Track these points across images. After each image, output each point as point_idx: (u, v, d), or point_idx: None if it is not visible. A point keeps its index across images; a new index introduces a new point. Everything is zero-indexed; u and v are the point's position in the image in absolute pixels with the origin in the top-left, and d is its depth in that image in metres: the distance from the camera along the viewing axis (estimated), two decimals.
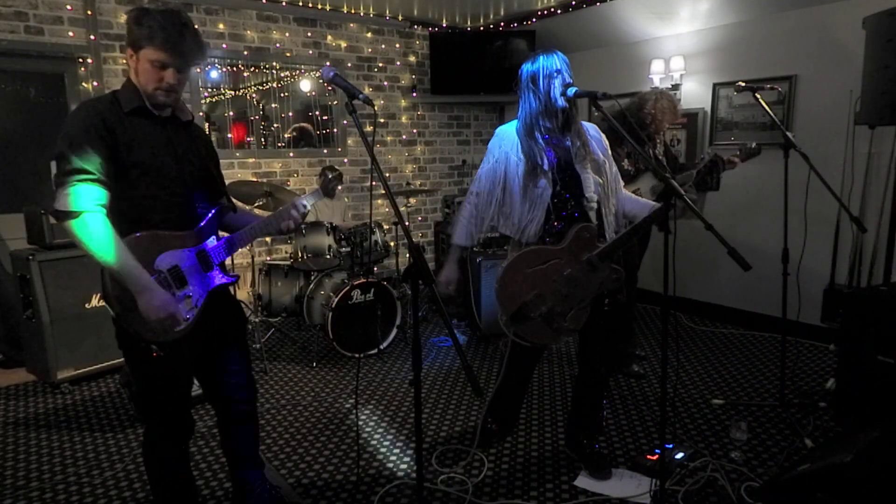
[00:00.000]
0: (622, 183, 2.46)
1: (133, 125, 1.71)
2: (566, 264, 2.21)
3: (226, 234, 1.93)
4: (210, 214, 1.86)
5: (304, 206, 1.97)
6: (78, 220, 1.59)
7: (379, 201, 5.43)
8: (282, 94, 5.21)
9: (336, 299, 3.73)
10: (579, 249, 2.22)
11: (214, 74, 4.79)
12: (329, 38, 5.17)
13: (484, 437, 2.72)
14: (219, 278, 1.90)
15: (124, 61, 4.13)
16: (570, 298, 2.22)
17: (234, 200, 2.08)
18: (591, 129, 2.42)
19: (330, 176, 2.18)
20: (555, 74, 2.22)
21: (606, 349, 2.48)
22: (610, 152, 2.43)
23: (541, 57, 2.26)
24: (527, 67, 2.30)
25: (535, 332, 2.25)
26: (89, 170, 1.60)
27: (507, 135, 2.35)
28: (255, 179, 4.66)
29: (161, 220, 1.75)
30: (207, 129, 4.88)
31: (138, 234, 1.69)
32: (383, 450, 2.73)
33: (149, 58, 1.66)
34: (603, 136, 2.44)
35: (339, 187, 4.61)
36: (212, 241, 1.86)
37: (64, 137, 1.61)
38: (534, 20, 5.36)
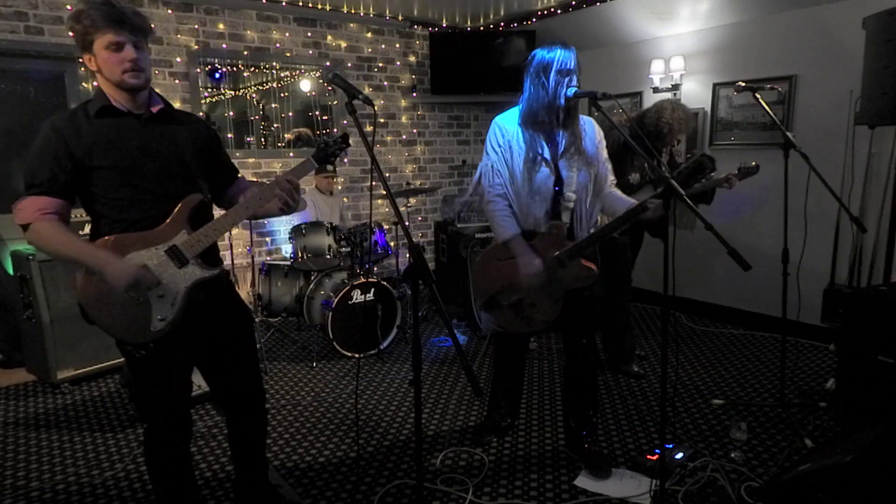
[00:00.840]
0: (610, 181, 2.46)
1: (98, 128, 1.71)
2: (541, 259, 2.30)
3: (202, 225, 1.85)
4: (177, 210, 1.78)
5: (291, 178, 1.85)
6: (28, 231, 1.71)
7: (379, 201, 5.43)
8: (282, 94, 5.21)
9: (336, 299, 3.73)
10: (548, 246, 2.31)
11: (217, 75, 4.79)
12: (329, 38, 5.17)
13: (481, 431, 2.78)
14: (198, 272, 1.81)
15: None
16: (538, 291, 2.32)
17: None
18: (587, 123, 2.41)
19: (330, 141, 1.91)
20: (567, 73, 2.21)
21: (586, 342, 2.52)
22: (604, 145, 2.44)
23: (559, 49, 2.21)
24: (541, 54, 2.24)
25: (507, 321, 2.42)
26: (37, 183, 1.68)
27: (509, 127, 2.35)
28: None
29: (138, 217, 1.75)
30: None
31: (95, 243, 1.73)
32: (383, 450, 2.73)
33: (103, 45, 1.65)
34: (598, 128, 2.44)
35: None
36: (181, 236, 1.78)
37: (29, 153, 1.70)
38: (534, 20, 5.36)
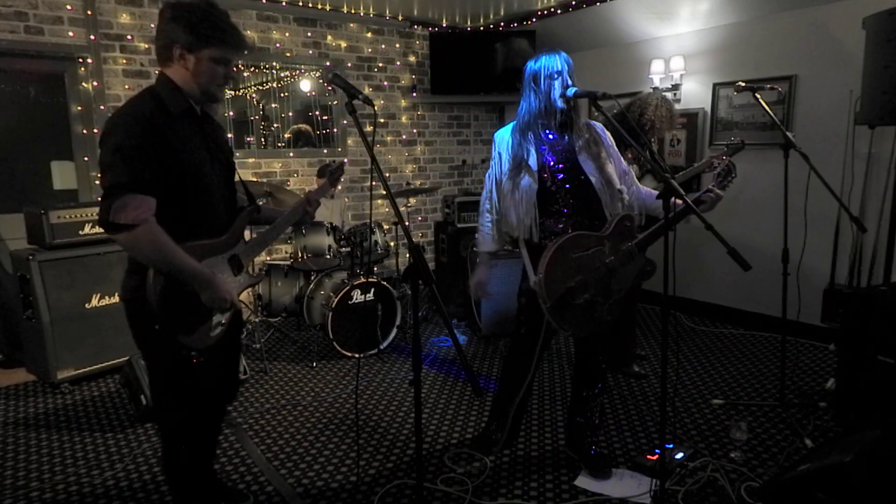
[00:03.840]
0: (634, 175, 2.48)
1: (181, 128, 1.68)
2: (609, 252, 2.19)
3: (251, 235, 1.95)
4: (239, 218, 1.87)
5: (316, 200, 2.10)
6: (132, 233, 1.56)
7: (379, 201, 5.43)
8: (282, 94, 5.21)
9: (336, 299, 3.73)
10: (621, 238, 2.21)
11: None
12: (329, 38, 5.17)
13: (483, 442, 2.68)
14: (247, 280, 1.92)
15: (124, 61, 4.19)
16: (610, 287, 2.20)
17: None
18: (599, 128, 2.44)
19: (332, 167, 2.09)
20: (555, 75, 2.24)
21: (610, 343, 2.49)
22: (615, 150, 2.45)
23: (543, 57, 2.27)
24: (530, 66, 2.31)
25: (577, 321, 2.17)
26: (140, 179, 1.56)
27: (503, 137, 2.40)
28: (255, 179, 4.66)
29: (203, 224, 1.75)
30: None
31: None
32: (383, 450, 2.73)
33: (212, 56, 1.65)
34: (608, 134, 2.46)
35: (339, 186, 4.60)
36: (240, 245, 1.87)
37: (112, 147, 1.56)
38: (534, 20, 5.36)
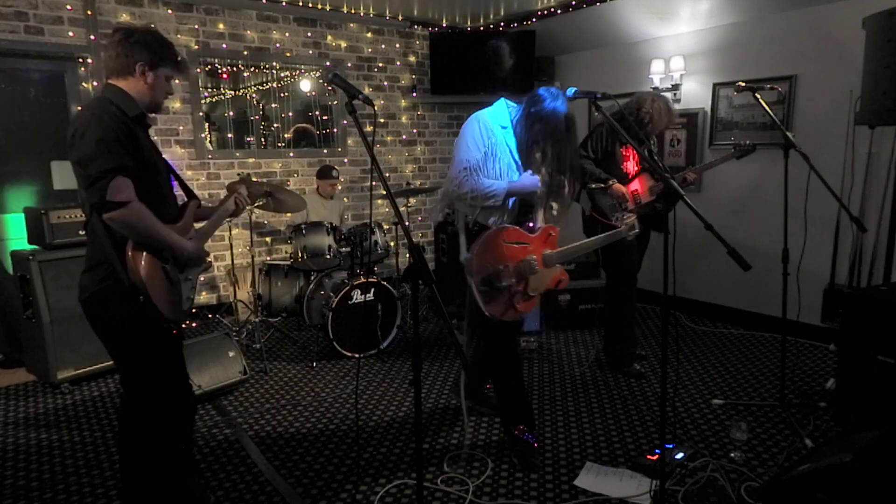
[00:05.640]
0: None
1: (137, 129, 1.90)
2: (533, 251, 2.43)
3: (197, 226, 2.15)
4: (188, 208, 2.08)
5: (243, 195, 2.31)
6: (128, 209, 1.76)
7: (379, 201, 5.43)
8: (282, 94, 5.21)
9: (336, 299, 3.73)
10: (543, 244, 2.48)
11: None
12: (329, 38, 5.17)
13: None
14: (205, 261, 2.17)
15: None
16: (527, 283, 2.41)
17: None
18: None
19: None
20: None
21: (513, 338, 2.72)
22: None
23: (561, 113, 2.35)
24: (547, 106, 2.35)
25: (496, 302, 2.35)
26: (123, 165, 1.77)
27: (493, 125, 2.47)
28: (255, 179, 4.66)
29: (165, 214, 1.94)
30: (207, 129, 4.89)
31: None
32: (383, 450, 2.74)
33: (166, 75, 1.96)
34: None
35: (339, 187, 4.59)
36: (192, 232, 2.07)
37: (92, 141, 1.74)
38: (534, 20, 5.36)
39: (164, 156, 2.09)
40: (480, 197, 2.35)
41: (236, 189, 2.32)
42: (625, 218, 3.01)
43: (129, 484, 2.04)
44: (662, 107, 3.31)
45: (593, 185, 3.31)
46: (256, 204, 3.58)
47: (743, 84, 2.79)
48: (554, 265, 2.49)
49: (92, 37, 4.04)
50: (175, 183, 2.14)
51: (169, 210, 2.00)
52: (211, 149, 4.81)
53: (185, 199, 2.15)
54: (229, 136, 5.05)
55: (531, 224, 2.50)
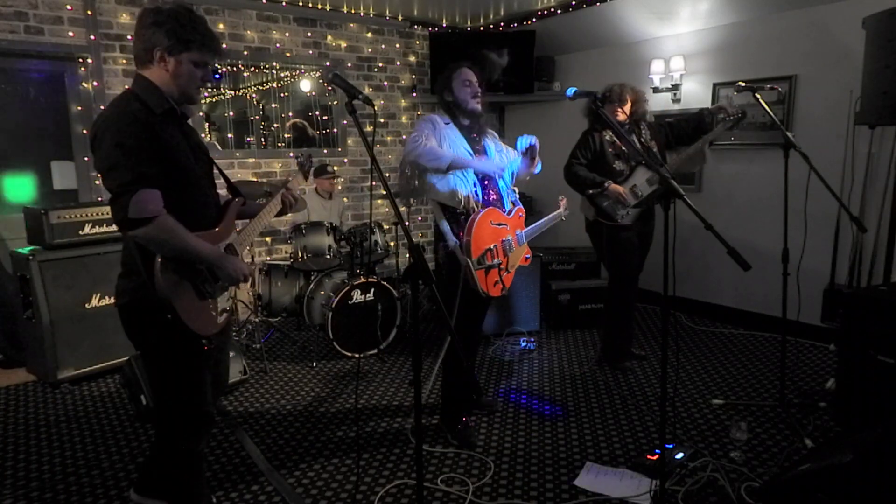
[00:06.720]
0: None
1: (166, 126, 1.71)
2: (510, 231, 2.73)
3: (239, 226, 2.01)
4: (229, 209, 1.93)
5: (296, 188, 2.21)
6: (154, 225, 1.60)
7: (379, 201, 5.42)
8: (282, 94, 5.21)
9: (336, 299, 3.73)
10: (517, 224, 2.81)
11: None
12: (329, 38, 5.17)
13: (454, 417, 2.85)
14: None
15: (124, 61, 4.18)
16: (507, 260, 2.70)
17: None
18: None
19: (301, 159, 2.23)
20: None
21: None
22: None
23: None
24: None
25: (489, 280, 2.62)
26: (146, 174, 1.59)
27: (440, 121, 2.69)
28: (255, 179, 4.66)
29: (197, 219, 1.77)
30: (207, 129, 4.89)
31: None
32: (383, 450, 2.74)
33: (193, 59, 1.71)
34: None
35: (339, 186, 4.58)
36: (233, 235, 1.93)
37: (111, 147, 1.58)
38: (534, 20, 5.36)
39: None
40: (427, 155, 2.52)
41: (286, 183, 2.14)
42: (560, 200, 3.13)
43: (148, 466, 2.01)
44: (630, 86, 3.39)
45: (591, 191, 3.33)
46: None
47: (743, 84, 2.80)
48: (523, 244, 2.85)
49: (92, 37, 4.04)
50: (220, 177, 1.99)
51: (207, 215, 1.84)
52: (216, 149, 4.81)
53: (229, 195, 2.00)
54: (229, 135, 5.05)
55: (502, 207, 2.77)
